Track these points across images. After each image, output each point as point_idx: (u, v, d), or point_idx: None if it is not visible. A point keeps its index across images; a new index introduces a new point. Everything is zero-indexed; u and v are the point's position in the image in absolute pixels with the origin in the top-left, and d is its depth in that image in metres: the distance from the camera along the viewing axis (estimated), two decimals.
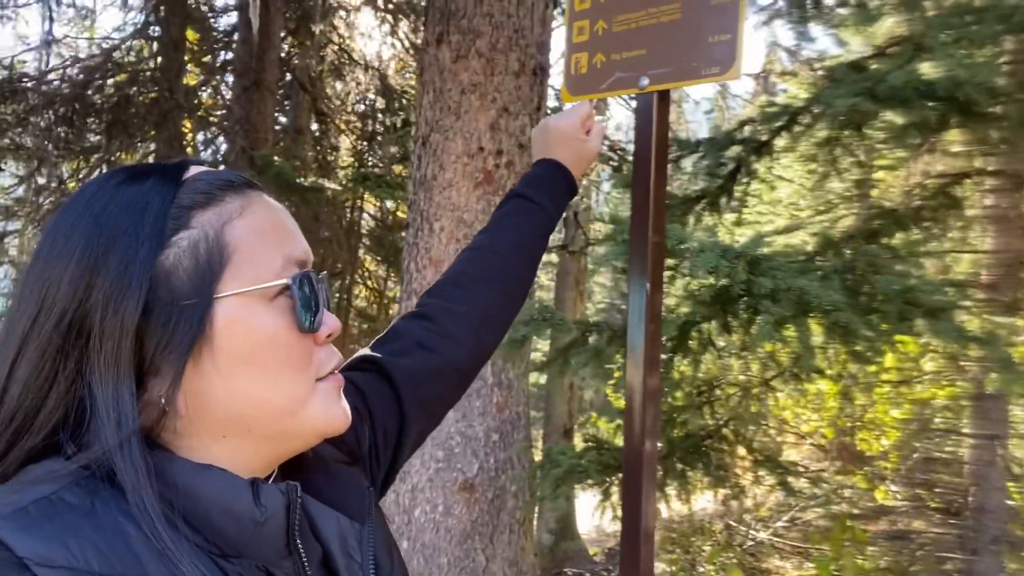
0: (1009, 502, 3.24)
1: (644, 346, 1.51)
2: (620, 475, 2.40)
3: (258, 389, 0.65)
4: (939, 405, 3.82)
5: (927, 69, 2.07)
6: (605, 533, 8.63)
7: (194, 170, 0.68)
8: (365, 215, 10.15)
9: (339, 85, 9.86)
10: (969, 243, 2.94)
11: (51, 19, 6.87)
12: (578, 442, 8.36)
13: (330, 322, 0.70)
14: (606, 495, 2.33)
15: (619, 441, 2.56)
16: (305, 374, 0.67)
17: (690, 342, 2.07)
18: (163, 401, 0.62)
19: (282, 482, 0.67)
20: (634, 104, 1.62)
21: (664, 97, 1.57)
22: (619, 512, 2.52)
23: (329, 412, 0.70)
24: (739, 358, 2.67)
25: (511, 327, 1.13)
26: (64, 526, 0.55)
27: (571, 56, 1.67)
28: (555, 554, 7.72)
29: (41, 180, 7.68)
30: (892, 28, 2.87)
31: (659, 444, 1.56)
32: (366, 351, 0.98)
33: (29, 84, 7.20)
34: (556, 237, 8.87)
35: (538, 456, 4.39)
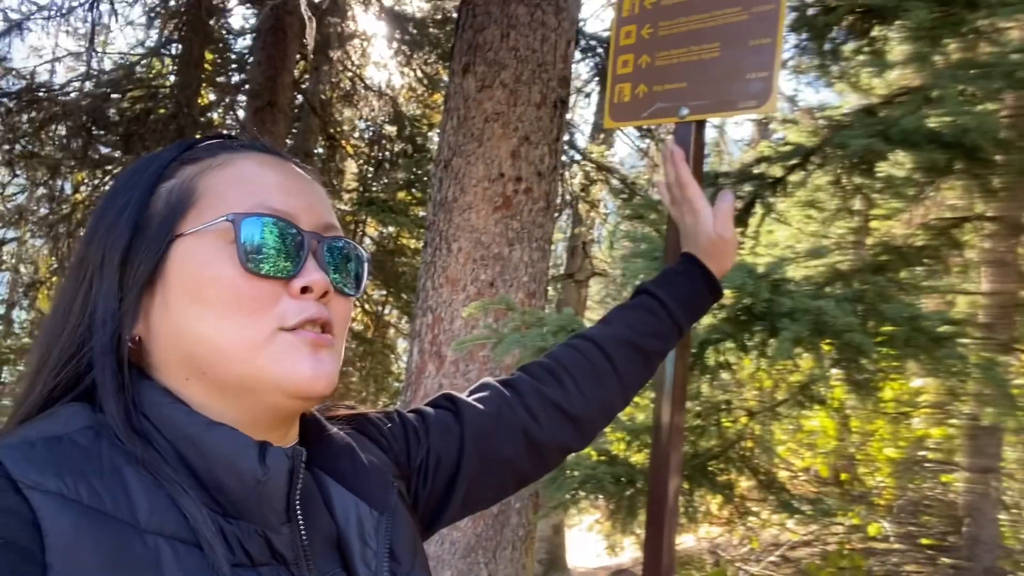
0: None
1: (675, 355, 1.62)
2: (632, 489, 2.49)
3: (204, 327, 0.64)
4: (931, 444, 3.94)
5: (935, 117, 2.23)
6: (592, 567, 8.62)
7: (216, 139, 0.73)
8: (367, 239, 10.35)
9: (347, 111, 10.07)
10: (967, 285, 3.09)
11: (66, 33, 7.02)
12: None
13: (312, 277, 0.67)
14: (619, 509, 2.42)
15: (632, 457, 2.66)
16: (259, 319, 0.65)
17: (707, 360, 2.18)
18: (133, 334, 0.66)
19: (288, 447, 0.67)
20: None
21: (701, 127, 1.70)
22: (627, 528, 2.61)
23: (288, 364, 0.65)
24: (750, 381, 2.78)
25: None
26: (64, 461, 0.58)
27: (614, 86, 1.80)
28: None
29: (43, 190, 7.78)
30: (898, 79, 3.05)
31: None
32: (452, 392, 0.97)
33: (45, 95, 7.33)
34: (559, 265, 9.00)
35: None
